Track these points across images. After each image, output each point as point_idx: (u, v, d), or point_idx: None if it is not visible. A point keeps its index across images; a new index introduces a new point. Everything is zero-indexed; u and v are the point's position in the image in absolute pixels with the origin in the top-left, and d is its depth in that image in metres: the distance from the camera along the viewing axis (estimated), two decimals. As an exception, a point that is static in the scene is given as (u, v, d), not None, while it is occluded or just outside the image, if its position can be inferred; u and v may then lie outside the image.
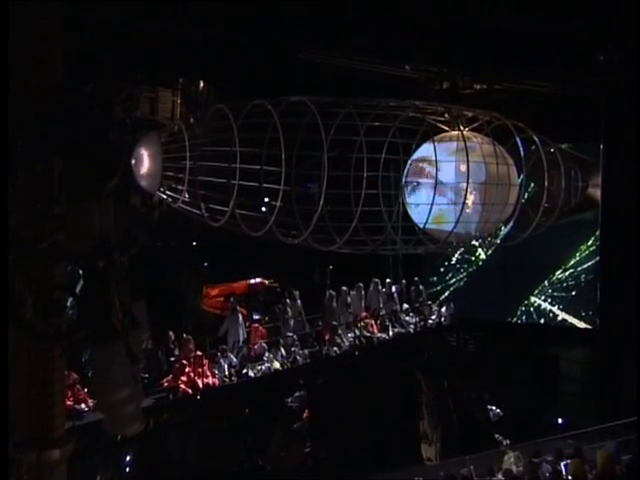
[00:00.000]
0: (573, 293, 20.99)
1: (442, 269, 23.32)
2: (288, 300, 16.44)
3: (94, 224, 6.89)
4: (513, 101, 16.81)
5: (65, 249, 6.80)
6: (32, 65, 6.87)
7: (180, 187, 8.29)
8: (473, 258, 22.84)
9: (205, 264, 20.78)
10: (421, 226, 10.38)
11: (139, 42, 12.03)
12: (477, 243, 13.50)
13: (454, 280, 23.21)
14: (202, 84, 16.42)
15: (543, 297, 21.56)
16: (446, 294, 22.79)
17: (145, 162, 7.92)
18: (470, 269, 23.11)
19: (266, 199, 9.28)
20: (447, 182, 10.15)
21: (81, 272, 7.12)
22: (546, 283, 21.54)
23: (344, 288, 17.48)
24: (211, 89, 16.44)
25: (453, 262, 23.17)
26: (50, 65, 6.96)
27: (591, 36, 14.21)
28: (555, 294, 21.39)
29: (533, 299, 21.69)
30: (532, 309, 21.69)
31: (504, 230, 11.44)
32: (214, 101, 15.41)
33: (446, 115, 10.64)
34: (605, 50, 15.20)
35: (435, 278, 23.23)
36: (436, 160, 9.94)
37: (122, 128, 7.99)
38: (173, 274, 18.91)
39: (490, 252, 22.16)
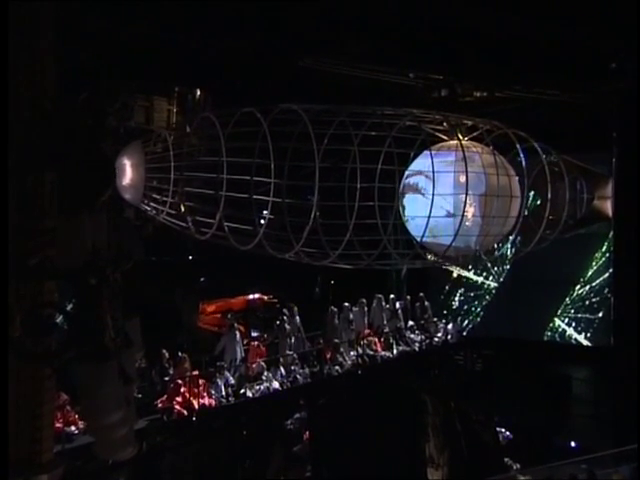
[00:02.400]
0: (600, 315, 20.71)
1: (448, 285, 23.26)
2: (288, 317, 16.42)
3: (86, 239, 6.90)
4: (522, 110, 16.85)
5: (56, 265, 6.81)
6: (23, 74, 6.91)
7: (165, 199, 8.23)
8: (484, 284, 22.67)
9: (201, 279, 20.77)
10: (418, 239, 10.35)
11: (134, 49, 12.13)
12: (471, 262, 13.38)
13: (463, 297, 23.12)
14: (199, 92, 16.51)
15: (567, 320, 21.31)
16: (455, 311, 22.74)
17: (127, 173, 7.89)
18: (480, 285, 23.04)
19: (265, 212, 9.28)
20: (445, 194, 10.13)
21: (72, 289, 7.13)
22: (568, 300, 21.34)
23: (346, 304, 17.46)
24: (208, 98, 16.52)
25: (461, 279, 23.10)
26: (42, 75, 7.00)
27: (602, 42, 14.27)
28: (579, 315, 21.13)
29: (557, 322, 21.41)
30: (557, 335, 21.46)
31: (506, 244, 11.35)
32: (212, 110, 15.49)
33: (444, 124, 10.63)
34: (617, 57, 15.26)
35: (443, 296, 23.16)
36: (433, 171, 9.93)
37: (115, 139, 8.02)
38: (168, 290, 18.88)
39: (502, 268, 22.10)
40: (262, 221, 9.26)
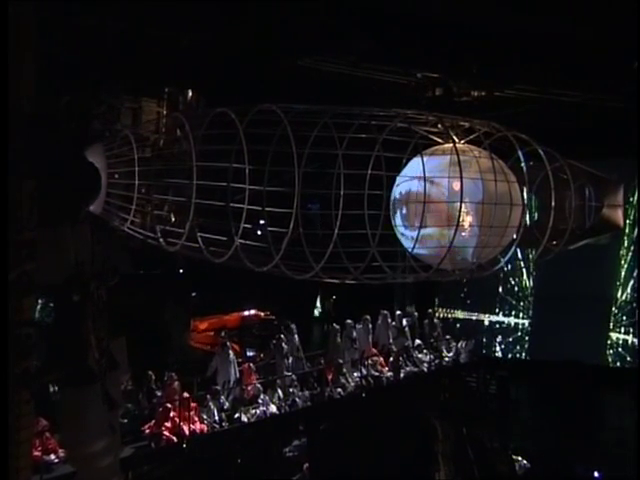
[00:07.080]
0: (626, 334, 20.55)
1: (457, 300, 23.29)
2: (286, 335, 16.41)
3: (68, 252, 6.92)
4: (530, 112, 16.90)
5: (36, 280, 6.82)
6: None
7: (130, 206, 8.14)
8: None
9: (193, 294, 20.80)
10: (410, 250, 10.27)
11: (122, 49, 12.21)
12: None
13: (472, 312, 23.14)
14: (191, 93, 16.63)
15: (591, 339, 21.15)
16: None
17: None
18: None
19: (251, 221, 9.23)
20: (439, 201, 10.04)
21: (53, 306, 7.13)
22: (591, 319, 21.19)
23: (349, 321, 17.44)
24: (201, 99, 16.64)
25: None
26: (21, 76, 7.03)
27: (624, 40, 14.33)
28: (605, 334, 20.96)
29: (582, 342, 21.21)
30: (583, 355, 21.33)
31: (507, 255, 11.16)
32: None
33: (439, 126, 10.58)
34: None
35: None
36: (424, 177, 9.86)
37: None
38: (157, 306, 18.91)
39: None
40: (260, 232, 9.25)
